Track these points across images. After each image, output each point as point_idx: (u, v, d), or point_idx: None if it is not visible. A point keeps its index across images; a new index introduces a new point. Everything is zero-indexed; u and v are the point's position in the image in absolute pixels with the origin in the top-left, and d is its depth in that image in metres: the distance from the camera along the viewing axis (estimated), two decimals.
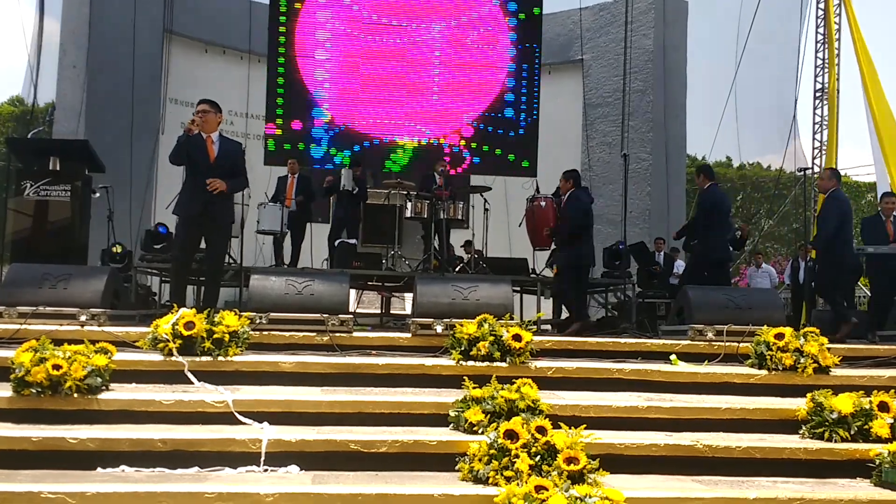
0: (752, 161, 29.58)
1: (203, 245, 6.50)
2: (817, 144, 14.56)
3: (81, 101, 13.25)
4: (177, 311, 5.11)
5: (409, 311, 10.02)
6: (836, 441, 4.49)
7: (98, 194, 7.56)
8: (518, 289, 10.10)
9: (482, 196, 10.16)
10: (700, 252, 8.16)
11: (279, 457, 4.07)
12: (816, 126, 14.79)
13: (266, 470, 4.02)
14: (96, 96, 13.27)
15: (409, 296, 10.53)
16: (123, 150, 11.37)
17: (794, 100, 15.09)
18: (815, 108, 15.00)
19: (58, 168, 6.81)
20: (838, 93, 14.31)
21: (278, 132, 12.99)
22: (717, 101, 17.17)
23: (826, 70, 14.39)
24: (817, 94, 14.86)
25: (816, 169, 15.37)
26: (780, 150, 16.19)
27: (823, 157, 14.60)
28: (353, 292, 10.41)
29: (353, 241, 10.23)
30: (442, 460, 4.13)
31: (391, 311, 11.64)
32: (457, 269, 9.78)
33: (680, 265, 12.84)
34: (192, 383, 4.77)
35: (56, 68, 13.79)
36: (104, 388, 4.49)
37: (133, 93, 12.62)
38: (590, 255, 8.20)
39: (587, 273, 8.29)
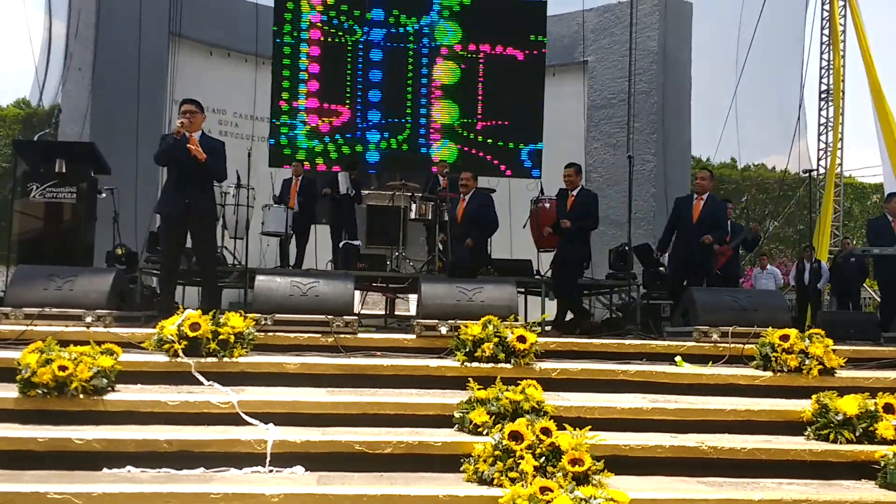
0: (756, 162, 29.51)
1: (190, 244, 6.56)
2: (822, 146, 14.53)
3: (87, 103, 13.28)
4: (182, 312, 5.13)
5: (413, 312, 10.04)
6: (841, 443, 4.48)
7: (104, 195, 7.60)
8: (522, 290, 10.09)
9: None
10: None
11: (284, 457, 4.08)
12: (821, 127, 14.78)
13: (271, 471, 4.02)
14: (102, 99, 13.30)
15: (413, 297, 10.52)
16: (129, 153, 11.40)
17: (799, 101, 15.09)
18: (819, 110, 14.99)
19: (64, 170, 6.84)
20: (844, 94, 14.31)
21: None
22: (721, 102, 17.16)
23: (831, 72, 14.37)
24: (822, 96, 14.84)
25: (821, 170, 15.39)
26: (785, 152, 16.20)
27: (828, 158, 14.58)
28: (357, 293, 10.42)
29: (357, 242, 10.24)
30: (447, 461, 4.14)
31: (395, 313, 11.65)
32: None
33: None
34: (198, 384, 4.79)
35: (62, 71, 13.84)
36: (110, 388, 4.50)
37: (139, 95, 12.67)
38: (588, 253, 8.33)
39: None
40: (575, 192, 8.47)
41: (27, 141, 9.08)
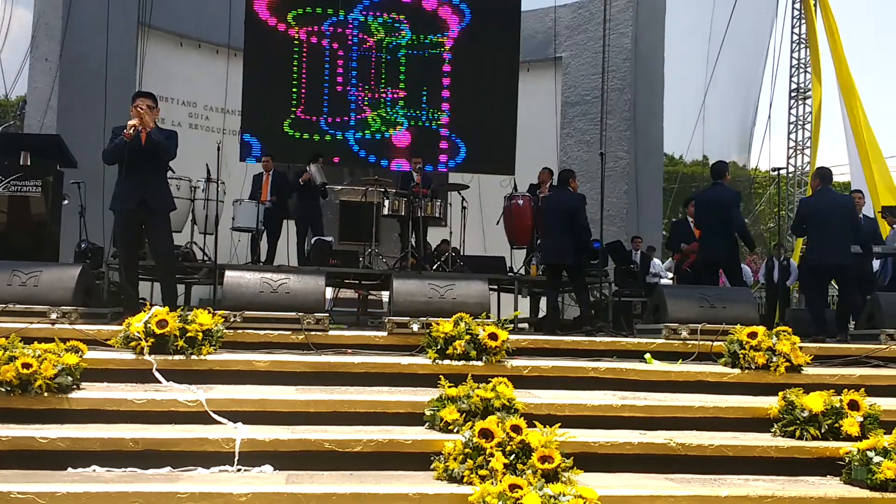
0: (727, 160, 29.82)
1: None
2: (792, 144, 14.69)
3: (53, 94, 13.06)
4: (149, 309, 5.07)
5: (385, 308, 10.00)
6: (807, 439, 4.54)
7: (67, 201, 7.45)
8: (495, 287, 10.11)
9: (459, 194, 10.16)
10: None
11: (253, 456, 4.04)
12: (791, 126, 14.93)
13: (240, 470, 3.98)
14: (69, 90, 13.09)
15: (385, 293, 10.49)
16: (96, 145, 11.20)
17: (770, 99, 15.25)
18: (790, 108, 15.14)
19: (29, 163, 6.71)
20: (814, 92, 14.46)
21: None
22: (693, 100, 17.31)
23: (801, 70, 14.53)
24: (792, 94, 15.00)
25: (791, 168, 15.56)
26: (755, 149, 16.38)
27: (798, 156, 14.75)
28: (329, 290, 10.37)
29: (329, 238, 10.19)
30: (417, 459, 4.12)
31: (368, 309, 11.62)
32: (434, 268, 9.77)
33: (656, 264, 12.93)
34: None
35: (28, 61, 13.59)
36: (75, 387, 4.43)
37: (106, 87, 12.45)
38: (542, 255, 8.29)
39: (550, 274, 8.37)
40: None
41: None
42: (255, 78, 13.36)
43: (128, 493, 3.56)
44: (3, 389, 4.24)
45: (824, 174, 7.92)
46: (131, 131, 6.03)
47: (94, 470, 3.91)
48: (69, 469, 3.89)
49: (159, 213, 6.30)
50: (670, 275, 12.25)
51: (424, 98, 13.63)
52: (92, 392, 4.48)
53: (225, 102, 15.81)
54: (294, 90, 13.55)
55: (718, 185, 8.12)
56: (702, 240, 8.10)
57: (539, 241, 9.55)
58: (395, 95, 13.60)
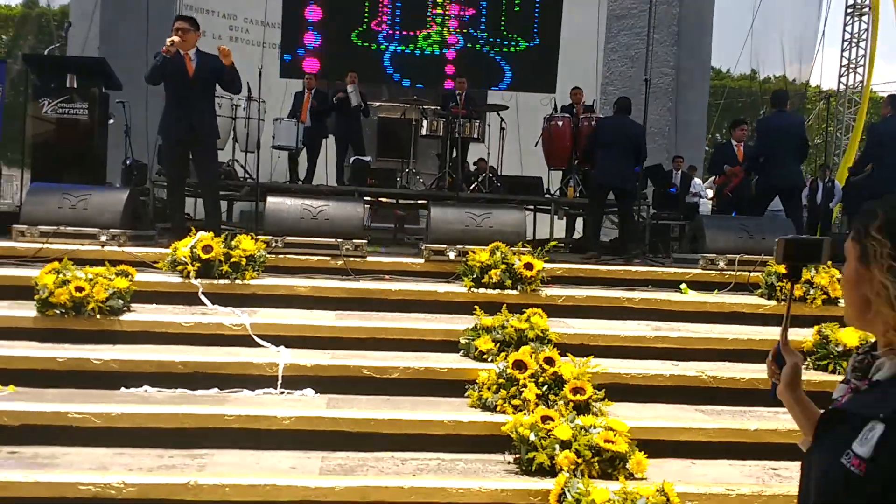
0: (777, 74, 28.87)
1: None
2: (845, 62, 14.16)
3: (96, 10, 13.01)
4: (195, 233, 5.20)
5: (422, 224, 10.07)
6: (839, 373, 4.57)
7: (112, 120, 7.53)
8: (531, 207, 10.10)
9: (498, 115, 10.05)
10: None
11: (295, 380, 4.22)
12: (846, 43, 14.36)
13: (283, 392, 4.17)
14: (110, 6, 13.03)
15: (423, 213, 10.56)
16: (139, 59, 11.25)
17: (826, 14, 14.64)
18: (844, 25, 14.54)
19: (75, 86, 6.79)
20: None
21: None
22: (743, 12, 16.69)
23: None
24: (848, 10, 14.37)
25: (842, 87, 15.05)
26: (807, 63, 15.81)
27: (851, 74, 14.24)
28: (366, 208, 10.46)
29: (367, 158, 10.20)
30: (452, 387, 4.26)
31: (405, 225, 11.70)
32: (471, 188, 9.77)
33: (697, 183, 12.76)
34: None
35: None
36: (126, 309, 4.62)
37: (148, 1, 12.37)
38: (599, 176, 8.12)
39: (603, 195, 8.23)
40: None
41: (37, 55, 8.96)
42: None
43: (178, 415, 3.77)
44: (57, 311, 4.44)
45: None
46: (171, 47, 6.02)
47: (146, 390, 4.12)
48: (122, 389, 4.10)
49: (206, 141, 6.35)
50: (710, 193, 12.11)
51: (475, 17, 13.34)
52: (142, 314, 4.67)
53: (265, 15, 15.60)
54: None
55: (783, 112, 8.05)
56: (768, 166, 7.98)
57: (577, 162, 9.47)
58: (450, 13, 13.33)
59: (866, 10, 13.83)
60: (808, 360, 4.78)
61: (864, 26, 13.71)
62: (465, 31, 13.55)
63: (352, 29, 13.28)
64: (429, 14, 13.51)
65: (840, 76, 14.26)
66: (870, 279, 1.42)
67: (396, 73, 13.46)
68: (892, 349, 1.41)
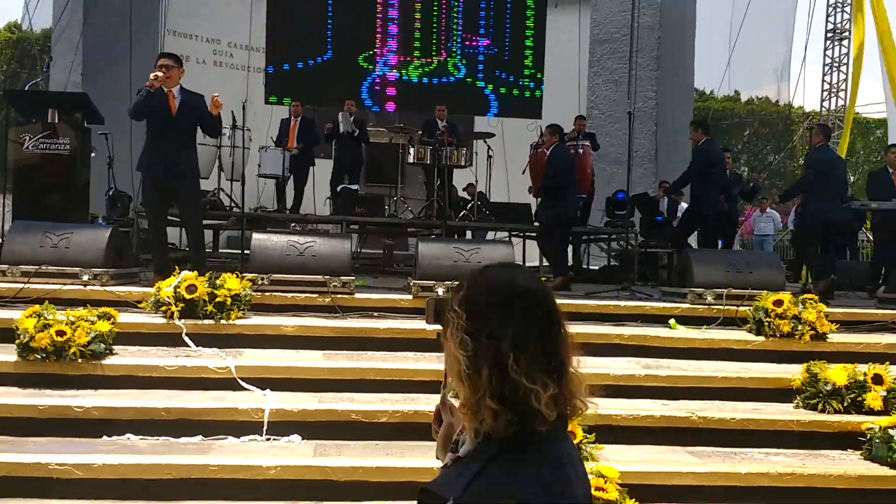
0: (760, 95, 29.19)
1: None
2: (826, 87, 14.29)
3: (79, 32, 12.95)
4: (178, 273, 5.13)
5: (411, 251, 10.04)
6: (829, 412, 4.56)
7: (94, 153, 7.47)
8: (521, 234, 10.10)
9: (485, 142, 10.06)
10: (695, 207, 8.20)
11: (282, 426, 4.15)
12: (826, 67, 14.51)
13: (269, 439, 4.10)
14: (94, 27, 12.97)
15: (412, 240, 10.53)
16: (122, 87, 11.20)
17: (802, 39, 14.79)
18: (825, 49, 14.69)
19: (56, 120, 6.72)
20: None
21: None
22: (725, 35, 16.87)
23: (838, 9, 14.03)
24: (828, 35, 14.52)
25: (824, 111, 15.19)
26: (789, 84, 15.96)
27: (833, 98, 14.37)
28: (354, 237, 10.42)
29: (354, 186, 10.17)
30: None
31: (394, 252, 11.68)
32: (460, 216, 9.76)
33: (683, 209, 12.80)
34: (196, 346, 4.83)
35: None
36: (108, 352, 4.54)
37: (131, 23, 12.32)
38: (569, 211, 8.11)
39: (568, 229, 8.27)
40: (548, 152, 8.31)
41: (18, 91, 8.90)
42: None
43: (162, 465, 3.70)
44: (38, 356, 4.36)
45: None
46: (154, 81, 5.97)
47: (129, 438, 4.04)
48: (104, 437, 4.02)
49: (188, 177, 6.27)
50: None
51: (456, 42, 13.39)
52: (124, 358, 4.60)
53: (249, 40, 15.62)
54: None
55: (711, 140, 8.29)
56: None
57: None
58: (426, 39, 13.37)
59: (846, 34, 13.99)
60: (798, 398, 4.76)
61: (843, 51, 13.85)
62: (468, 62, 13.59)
63: (358, 52, 13.25)
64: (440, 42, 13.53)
65: (822, 100, 14.38)
66: (447, 352, 1.40)
67: (373, 99, 13.44)
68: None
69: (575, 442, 3.91)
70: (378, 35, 13.38)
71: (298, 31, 13.31)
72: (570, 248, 10.82)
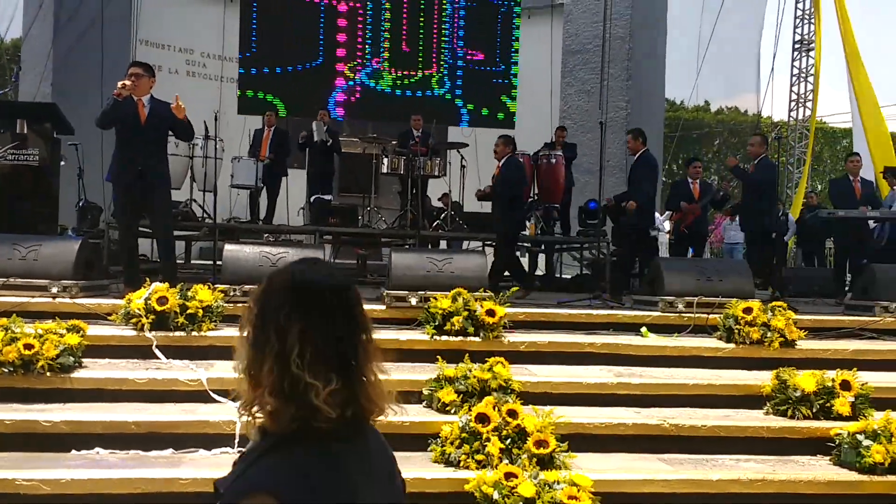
0: (729, 105, 29.57)
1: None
2: (794, 97, 14.52)
3: (49, 42, 12.84)
4: (149, 285, 5.09)
5: (385, 261, 10.03)
6: (798, 418, 4.62)
7: (64, 162, 7.39)
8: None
9: (459, 152, 10.10)
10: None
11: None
12: (794, 78, 14.74)
13: (241, 451, 4.05)
14: (65, 36, 12.87)
15: (386, 250, 10.52)
16: (93, 98, 11.10)
17: (770, 49, 15.04)
18: (793, 60, 14.92)
19: (25, 131, 6.64)
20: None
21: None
22: (695, 46, 17.09)
23: (805, 21, 14.27)
24: (796, 46, 14.76)
25: (792, 121, 15.42)
26: (758, 94, 16.19)
27: (800, 109, 14.60)
28: (328, 247, 10.39)
29: (328, 196, 10.15)
30: (415, 440, 4.20)
31: (368, 262, 11.65)
32: (433, 226, 9.77)
33: (657, 218, 12.90)
34: (166, 359, 4.78)
35: (23, 5, 13.35)
36: (77, 366, 4.48)
37: (103, 33, 12.23)
38: (519, 223, 8.27)
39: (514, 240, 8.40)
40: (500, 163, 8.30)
41: None
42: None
43: (131, 479, 3.65)
44: (5, 370, 4.29)
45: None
46: (122, 90, 5.91)
47: (98, 452, 3.98)
48: (73, 451, 3.96)
49: (158, 186, 6.20)
50: (667, 227, 12.25)
51: (423, 54, 13.45)
52: (94, 371, 4.54)
53: (223, 49, 15.58)
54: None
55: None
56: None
57: (536, 199, 9.56)
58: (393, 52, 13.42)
59: (813, 45, 14.22)
60: (768, 404, 4.81)
61: (811, 62, 14.08)
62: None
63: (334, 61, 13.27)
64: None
65: (790, 110, 14.60)
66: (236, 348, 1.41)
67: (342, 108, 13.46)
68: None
69: (547, 451, 3.94)
70: (358, 45, 13.42)
71: (273, 37, 13.32)
72: (543, 257, 10.91)
